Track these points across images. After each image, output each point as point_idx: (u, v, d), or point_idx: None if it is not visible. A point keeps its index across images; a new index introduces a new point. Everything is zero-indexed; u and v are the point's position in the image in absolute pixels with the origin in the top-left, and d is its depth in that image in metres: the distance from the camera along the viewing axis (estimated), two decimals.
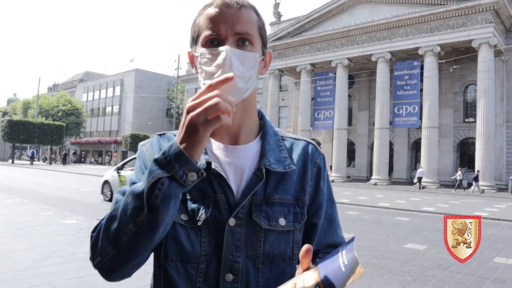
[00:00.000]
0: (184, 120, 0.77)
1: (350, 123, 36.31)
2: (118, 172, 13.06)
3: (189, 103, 0.77)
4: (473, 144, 28.64)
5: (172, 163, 0.77)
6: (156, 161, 0.80)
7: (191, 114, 0.75)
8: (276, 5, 40.56)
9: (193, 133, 0.76)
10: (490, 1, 26.16)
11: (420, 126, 29.59)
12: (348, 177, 34.34)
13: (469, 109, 31.79)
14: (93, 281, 4.75)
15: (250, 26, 0.99)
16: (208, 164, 0.97)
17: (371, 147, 35.24)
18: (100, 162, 63.27)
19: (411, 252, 7.24)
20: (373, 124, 32.74)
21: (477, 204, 16.83)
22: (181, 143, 0.78)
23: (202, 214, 0.96)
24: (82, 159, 66.56)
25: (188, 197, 0.98)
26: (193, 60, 1.04)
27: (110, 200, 14.00)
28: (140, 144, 1.11)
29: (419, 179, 26.37)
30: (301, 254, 0.83)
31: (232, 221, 0.97)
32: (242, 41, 0.98)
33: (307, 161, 1.11)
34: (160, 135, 1.11)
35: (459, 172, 26.00)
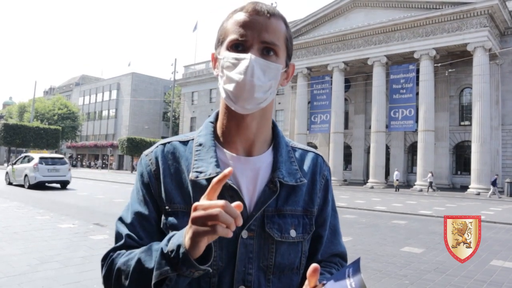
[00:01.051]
0: (189, 220, 0.79)
1: (346, 126, 36.39)
2: (12, 166, 20.52)
3: (197, 202, 0.79)
4: (469, 147, 28.76)
5: (179, 266, 0.80)
6: (164, 255, 0.83)
7: (193, 216, 0.78)
8: None
9: (193, 233, 0.78)
10: (484, 5, 26.35)
11: (416, 130, 29.68)
12: (345, 180, 34.38)
13: (465, 112, 31.92)
14: (90, 285, 4.73)
15: (277, 37, 0.99)
16: None
17: (367, 151, 35.31)
18: (102, 166, 63.02)
19: (408, 255, 7.25)
20: (370, 128, 32.83)
21: (474, 207, 16.88)
22: (185, 241, 0.79)
23: None
24: (75, 164, 66.17)
25: None
26: (215, 62, 1.05)
27: (10, 183, 20.68)
28: (144, 153, 1.09)
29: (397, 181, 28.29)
30: (308, 273, 0.86)
31: (244, 233, 0.97)
32: (267, 50, 0.98)
33: (316, 173, 1.13)
34: (164, 144, 1.08)
35: (429, 175, 26.86)
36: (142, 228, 0.99)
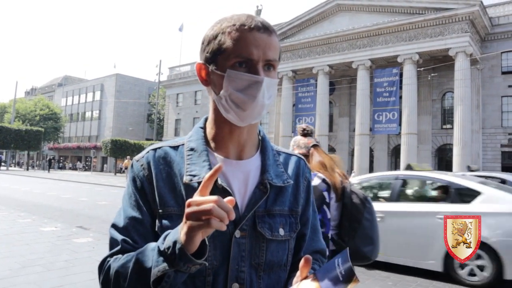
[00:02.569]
0: (184, 216, 0.82)
1: (331, 129, 36.64)
2: None
3: (190, 199, 0.82)
4: (451, 150, 29.23)
5: (176, 261, 0.83)
6: (161, 253, 0.85)
7: (187, 211, 0.81)
8: (258, 12, 40.77)
9: (188, 228, 0.81)
10: (466, 11, 26.87)
11: (400, 133, 30.05)
12: None
13: (447, 116, 32.45)
14: None
15: (277, 53, 1.03)
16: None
17: (351, 153, 35.58)
18: (84, 167, 62.17)
19: None
20: (354, 131, 33.11)
21: None
22: (181, 237, 0.82)
23: None
24: (62, 166, 65.14)
25: None
26: (203, 74, 1.07)
27: None
28: (135, 159, 1.11)
29: None
30: (301, 264, 0.92)
31: (237, 233, 1.02)
32: (268, 67, 1.01)
33: (299, 175, 1.19)
34: (155, 149, 1.10)
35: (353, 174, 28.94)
36: (137, 232, 1.01)
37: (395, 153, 34.46)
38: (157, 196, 1.03)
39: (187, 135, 1.14)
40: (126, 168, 28.25)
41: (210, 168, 1.02)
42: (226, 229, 0.99)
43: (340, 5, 33.19)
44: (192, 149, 1.08)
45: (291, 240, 1.12)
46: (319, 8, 34.36)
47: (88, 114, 67.09)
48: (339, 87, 36.52)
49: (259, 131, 1.17)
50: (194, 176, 1.02)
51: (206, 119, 1.15)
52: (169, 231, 0.89)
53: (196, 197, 0.81)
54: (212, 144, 1.10)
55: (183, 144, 1.11)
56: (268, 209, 1.07)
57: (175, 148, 1.10)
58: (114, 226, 1.04)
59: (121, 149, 46.21)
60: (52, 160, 39.99)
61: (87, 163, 62.97)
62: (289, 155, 1.21)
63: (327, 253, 1.62)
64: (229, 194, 1.00)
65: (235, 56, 0.98)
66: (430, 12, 28.66)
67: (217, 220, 0.78)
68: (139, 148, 46.76)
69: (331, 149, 36.90)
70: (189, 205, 0.81)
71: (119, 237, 1.01)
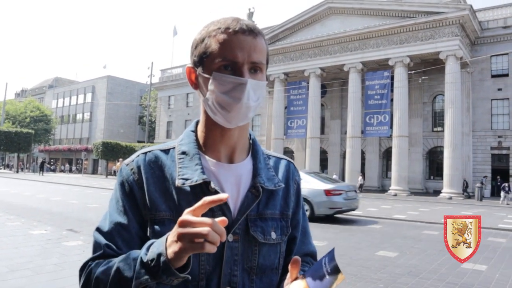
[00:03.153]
0: (175, 234, 0.80)
1: (322, 131, 36.76)
2: None
3: (184, 217, 0.79)
4: (442, 152, 29.46)
5: (160, 274, 0.82)
6: (143, 264, 0.84)
7: (181, 232, 0.78)
8: (250, 14, 40.81)
9: (180, 248, 0.79)
10: (456, 15, 27.14)
11: (391, 135, 30.24)
12: None
13: (437, 119, 32.73)
14: None
15: (263, 55, 1.02)
16: (207, 183, 1.00)
17: (343, 156, 35.74)
18: (71, 169, 61.65)
19: (382, 259, 7.35)
20: (345, 133, 33.26)
21: (446, 211, 17.24)
22: (168, 253, 0.80)
23: None
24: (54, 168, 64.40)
25: None
26: (193, 77, 1.07)
27: None
28: (124, 163, 1.09)
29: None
30: (290, 265, 0.94)
31: (230, 237, 1.01)
32: (254, 69, 1.01)
33: (289, 179, 1.19)
34: (145, 153, 1.09)
35: (360, 177, 30.04)
36: (121, 238, 1.00)
37: (386, 155, 34.66)
38: (148, 201, 1.02)
39: (178, 139, 1.13)
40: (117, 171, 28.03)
41: (203, 172, 1.02)
42: None
43: (332, 8, 33.37)
44: (183, 153, 1.07)
45: (283, 243, 1.12)
46: (311, 11, 34.51)
47: (79, 116, 66.69)
48: (330, 90, 36.70)
49: (250, 135, 1.17)
50: (187, 179, 1.01)
51: (197, 123, 1.15)
52: (152, 240, 0.88)
53: (189, 217, 0.79)
54: (204, 148, 1.10)
55: (174, 148, 1.10)
56: (260, 213, 1.07)
57: (166, 151, 1.09)
58: (98, 229, 1.02)
59: (112, 152, 45.96)
60: (45, 163, 39.32)
61: (78, 165, 62.48)
62: (279, 159, 1.22)
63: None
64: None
65: (220, 59, 0.98)
66: (420, 15, 28.91)
67: (210, 244, 0.77)
68: (130, 151, 46.54)
69: (323, 152, 37.04)
70: (182, 225, 0.78)
71: (102, 241, 0.99)
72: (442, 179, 28.25)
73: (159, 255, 0.81)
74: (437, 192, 29.26)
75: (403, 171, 28.77)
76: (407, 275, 6.21)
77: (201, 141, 1.11)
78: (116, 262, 0.91)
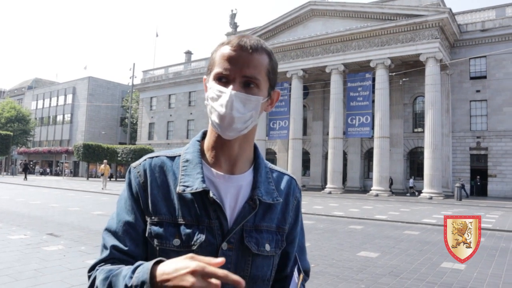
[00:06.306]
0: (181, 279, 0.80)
1: (305, 133, 36.97)
2: None
3: (194, 271, 0.80)
4: (422, 153, 29.93)
5: None
6: None
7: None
8: (233, 16, 40.81)
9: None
10: (435, 18, 27.62)
11: (373, 136, 30.57)
12: (304, 186, 34.85)
13: (418, 120, 33.24)
14: None
15: (258, 71, 1.07)
16: (206, 192, 1.05)
17: (325, 157, 35.99)
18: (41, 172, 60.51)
19: (364, 260, 7.43)
20: (327, 134, 33.51)
21: (426, 211, 17.52)
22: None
23: (198, 239, 1.03)
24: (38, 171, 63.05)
25: (182, 221, 1.05)
26: (206, 86, 1.15)
27: None
28: (132, 166, 1.16)
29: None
30: None
31: (224, 245, 1.06)
32: (248, 84, 1.06)
33: (289, 194, 1.23)
34: (152, 158, 1.15)
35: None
36: (129, 236, 1.07)
37: (368, 156, 35.03)
38: (150, 203, 1.08)
39: (185, 147, 1.19)
40: (102, 174, 27.52)
41: (203, 180, 1.07)
42: (214, 241, 1.04)
43: (314, 10, 33.59)
44: (187, 161, 1.13)
45: (276, 256, 1.16)
46: (293, 13, 34.67)
47: (59, 117, 65.60)
48: (313, 91, 36.94)
49: (255, 149, 1.22)
50: (187, 187, 1.06)
51: (204, 133, 1.21)
52: (139, 263, 0.91)
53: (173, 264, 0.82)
54: (207, 157, 1.15)
55: (179, 155, 1.16)
56: (256, 225, 1.11)
57: (172, 158, 1.15)
58: (107, 230, 1.09)
59: (93, 154, 45.33)
60: (25, 164, 38.17)
61: (58, 167, 61.40)
62: (282, 174, 1.26)
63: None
64: (220, 207, 1.06)
65: (217, 70, 1.07)
66: (401, 18, 29.33)
67: None
68: (112, 153, 45.96)
69: (305, 153, 37.23)
70: (194, 274, 0.80)
71: (109, 243, 1.06)
72: (422, 179, 28.70)
73: (143, 283, 0.84)
74: (418, 192, 29.70)
75: (385, 172, 29.12)
76: (388, 275, 6.29)
77: (205, 151, 1.17)
78: (110, 275, 0.95)
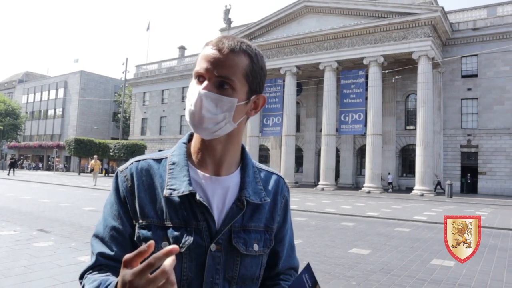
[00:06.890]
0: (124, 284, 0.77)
1: (298, 129, 37.02)
2: None
3: (133, 276, 0.75)
4: (414, 150, 30.11)
5: None
6: None
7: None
8: (227, 11, 40.67)
9: None
10: (428, 16, 27.74)
11: (365, 133, 30.70)
12: (296, 182, 34.91)
13: (410, 117, 33.43)
14: None
15: (233, 72, 1.05)
16: (193, 194, 1.05)
17: (318, 153, 36.09)
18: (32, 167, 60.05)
19: (355, 257, 7.47)
20: (321, 131, 33.58)
21: (417, 208, 17.64)
22: None
23: (186, 241, 1.03)
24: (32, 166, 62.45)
25: (170, 224, 1.05)
26: None
27: None
28: (119, 170, 1.15)
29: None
30: None
31: (213, 247, 1.06)
32: (221, 84, 1.04)
33: (277, 193, 1.24)
34: (138, 161, 1.15)
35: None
36: (115, 241, 1.07)
37: (360, 153, 35.18)
38: (138, 207, 1.08)
39: (171, 150, 1.18)
40: (92, 169, 27.34)
41: (190, 183, 1.06)
42: (203, 242, 1.05)
43: (308, 7, 33.57)
44: (174, 163, 1.12)
45: (264, 255, 1.17)
46: (287, 9, 34.62)
47: (50, 112, 65.04)
48: (306, 88, 36.97)
49: (243, 150, 1.22)
50: (174, 190, 1.06)
51: (190, 135, 1.21)
52: (109, 282, 0.92)
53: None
54: (194, 159, 1.15)
55: (166, 158, 1.15)
56: (244, 225, 1.12)
57: (158, 161, 1.15)
58: (94, 235, 1.10)
59: (85, 149, 45.08)
60: (12, 160, 37.58)
61: (49, 162, 60.95)
62: (270, 173, 1.27)
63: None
64: (207, 209, 1.06)
65: (195, 69, 1.07)
66: (394, 16, 29.41)
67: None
68: (104, 148, 45.73)
69: (298, 149, 37.29)
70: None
71: (96, 249, 1.07)
72: (414, 176, 28.89)
73: None
74: (409, 189, 29.91)
75: (377, 169, 29.27)
76: (379, 272, 6.34)
77: (192, 153, 1.17)
78: (94, 285, 0.97)
